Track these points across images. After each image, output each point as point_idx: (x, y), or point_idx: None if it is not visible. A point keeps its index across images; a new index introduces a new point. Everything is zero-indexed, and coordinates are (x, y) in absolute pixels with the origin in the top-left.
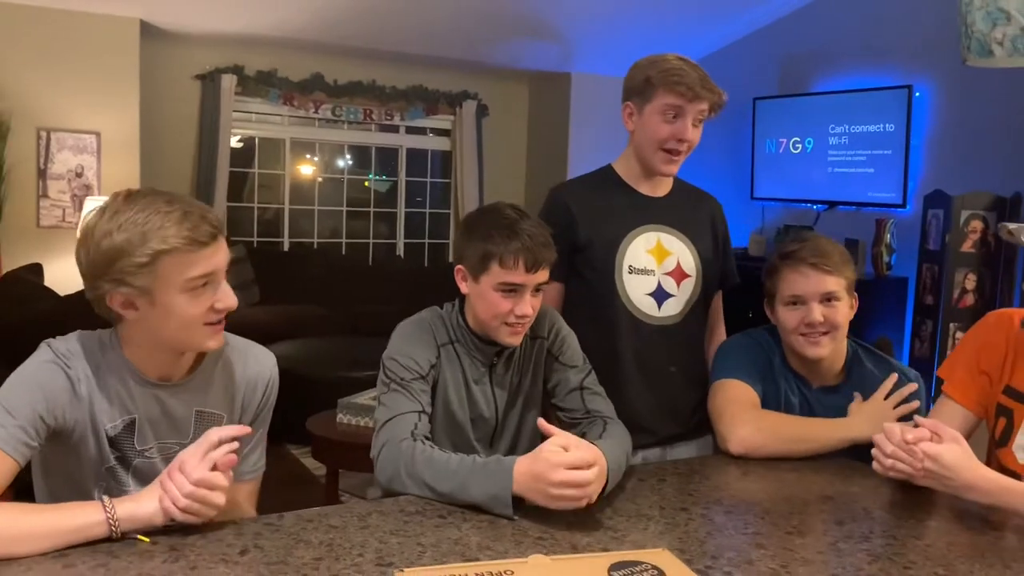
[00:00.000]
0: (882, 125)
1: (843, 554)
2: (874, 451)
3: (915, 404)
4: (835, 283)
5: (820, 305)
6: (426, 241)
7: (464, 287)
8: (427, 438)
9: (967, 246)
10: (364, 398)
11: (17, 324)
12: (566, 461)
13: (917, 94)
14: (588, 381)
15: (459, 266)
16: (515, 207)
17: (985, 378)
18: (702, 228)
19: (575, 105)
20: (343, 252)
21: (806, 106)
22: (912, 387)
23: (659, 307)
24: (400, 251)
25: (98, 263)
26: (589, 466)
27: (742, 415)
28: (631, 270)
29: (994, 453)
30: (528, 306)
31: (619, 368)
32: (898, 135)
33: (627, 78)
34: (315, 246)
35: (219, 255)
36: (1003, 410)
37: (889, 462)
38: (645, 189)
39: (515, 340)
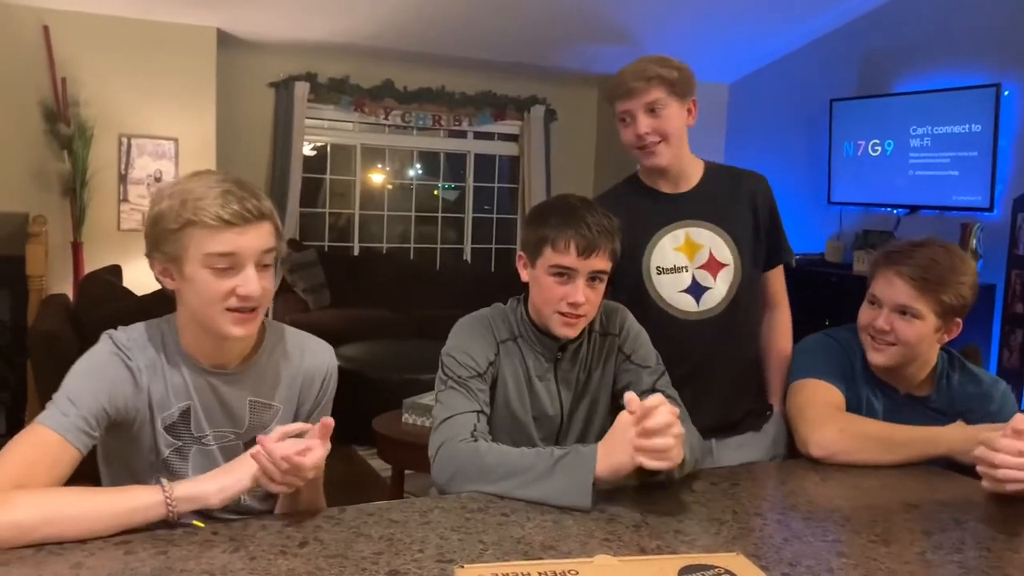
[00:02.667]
0: (967, 126)
1: (932, 565)
2: (981, 468)
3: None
4: (919, 301)
5: (893, 314)
6: (493, 246)
7: (524, 275)
8: (487, 438)
9: None
10: (429, 399)
11: (96, 322)
12: (646, 409)
13: (1006, 93)
14: (661, 383)
15: (520, 252)
16: (582, 198)
17: None
18: (737, 211)
19: None
20: (411, 257)
21: (886, 107)
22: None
23: (698, 302)
24: (467, 256)
25: (147, 227)
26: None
27: (824, 417)
28: (660, 271)
29: None
30: (581, 293)
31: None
32: (985, 136)
33: None
34: (384, 251)
35: (248, 239)
36: None
37: (1002, 473)
38: (668, 188)
39: (570, 331)
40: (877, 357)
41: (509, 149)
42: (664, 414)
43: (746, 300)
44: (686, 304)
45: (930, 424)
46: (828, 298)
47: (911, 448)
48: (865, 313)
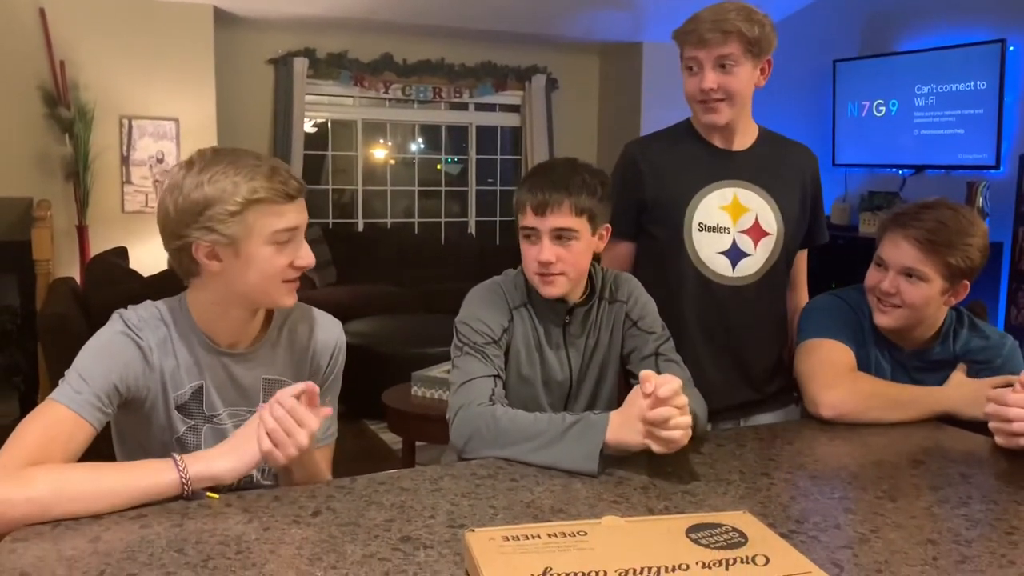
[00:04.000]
0: (973, 83)
1: (938, 519)
2: (993, 425)
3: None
4: (925, 264)
5: (899, 276)
6: (497, 219)
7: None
8: (503, 402)
9: None
10: (438, 371)
11: (104, 305)
12: (659, 386)
13: (1011, 48)
14: (665, 348)
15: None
16: (571, 159)
17: None
18: (788, 183)
19: (647, 75)
20: (415, 232)
21: (889, 66)
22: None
23: (733, 267)
24: (471, 229)
25: (188, 211)
26: (677, 394)
27: (835, 377)
28: (701, 227)
29: None
30: (546, 252)
31: (685, 331)
32: (990, 93)
33: None
34: (388, 226)
35: (303, 213)
36: None
37: (1018, 426)
38: (721, 142)
39: (549, 291)
40: (883, 319)
41: (511, 120)
42: (672, 409)
43: (781, 274)
44: (722, 267)
45: (934, 375)
46: (834, 260)
47: (918, 406)
48: (872, 275)
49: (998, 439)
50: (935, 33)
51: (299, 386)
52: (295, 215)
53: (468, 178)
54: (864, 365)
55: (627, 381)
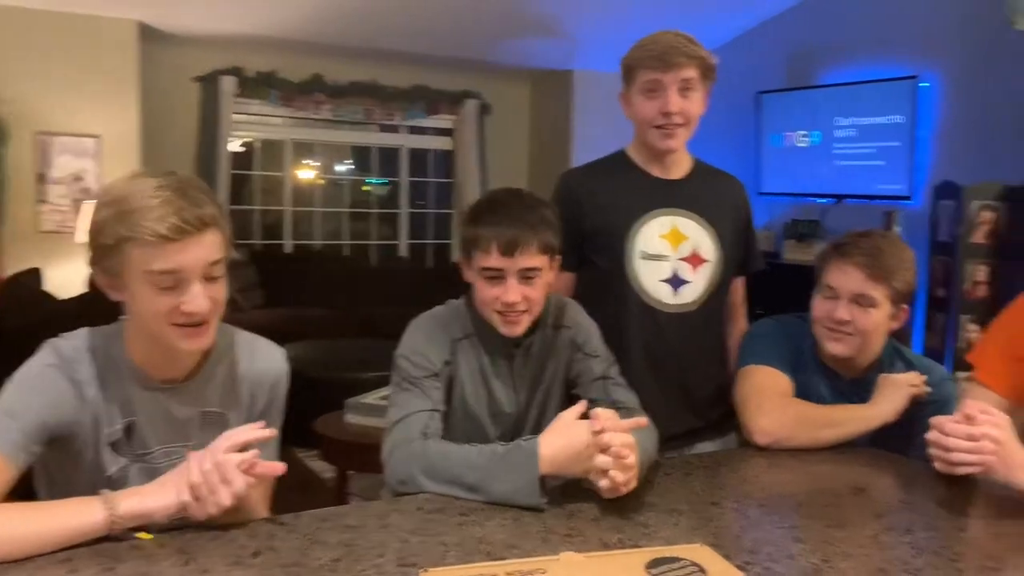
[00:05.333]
0: (889, 117)
1: (886, 547)
2: (934, 452)
3: (926, 389)
4: (875, 289)
5: (851, 304)
6: (430, 242)
7: (467, 276)
8: (439, 438)
9: (978, 237)
10: (372, 398)
11: (19, 329)
12: (600, 420)
13: (925, 84)
14: (611, 371)
15: (461, 256)
16: (515, 190)
17: (1019, 364)
18: (723, 211)
19: (578, 102)
20: (346, 254)
21: (812, 99)
22: (922, 377)
23: (674, 294)
24: (403, 252)
25: (88, 235)
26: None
27: (767, 403)
28: (643, 256)
29: None
30: (515, 293)
31: (629, 359)
32: (906, 126)
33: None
34: (318, 248)
35: (191, 254)
36: None
37: (955, 456)
38: (659, 172)
39: (513, 330)
40: (836, 347)
41: (443, 143)
42: (627, 448)
43: (721, 300)
44: (664, 294)
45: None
46: (760, 287)
47: (852, 423)
48: (821, 305)
49: (938, 466)
50: (855, 68)
51: (246, 435)
52: (174, 257)
53: (399, 200)
54: (803, 393)
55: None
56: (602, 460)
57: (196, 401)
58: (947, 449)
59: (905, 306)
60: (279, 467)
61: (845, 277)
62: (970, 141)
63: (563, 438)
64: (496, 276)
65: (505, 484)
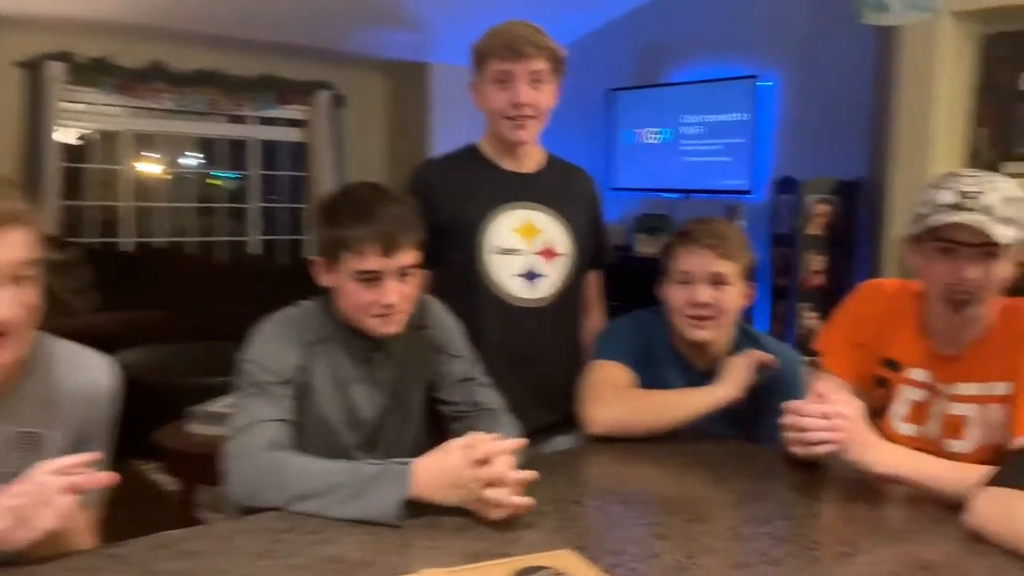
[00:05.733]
0: (733, 115)
1: (746, 539)
2: (791, 436)
3: (768, 357)
4: (727, 266)
5: (708, 287)
6: (283, 238)
7: (325, 280)
8: (290, 450)
9: (815, 229)
10: (219, 405)
11: None
12: (484, 448)
13: (765, 84)
14: (475, 371)
15: (316, 258)
16: (372, 185)
17: (861, 350)
18: (575, 204)
19: (436, 96)
20: (192, 252)
21: (661, 97)
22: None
23: (529, 288)
24: (254, 249)
25: None
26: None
27: (601, 395)
28: (497, 250)
29: (874, 425)
30: (394, 293)
31: (486, 355)
32: (748, 124)
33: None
34: (161, 246)
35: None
36: (881, 381)
37: (812, 435)
38: (511, 165)
39: (389, 328)
40: (699, 333)
41: (296, 135)
42: (501, 490)
43: (575, 294)
44: (518, 289)
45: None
46: (613, 280)
47: (688, 407)
48: (678, 294)
49: (796, 450)
50: (701, 66)
51: (67, 460)
52: None
53: (249, 195)
54: (657, 386)
55: (439, 410)
56: (494, 494)
57: (9, 420)
58: (804, 430)
59: (752, 283)
60: (108, 478)
61: (697, 259)
62: (806, 138)
63: (438, 463)
64: (373, 278)
65: (367, 503)
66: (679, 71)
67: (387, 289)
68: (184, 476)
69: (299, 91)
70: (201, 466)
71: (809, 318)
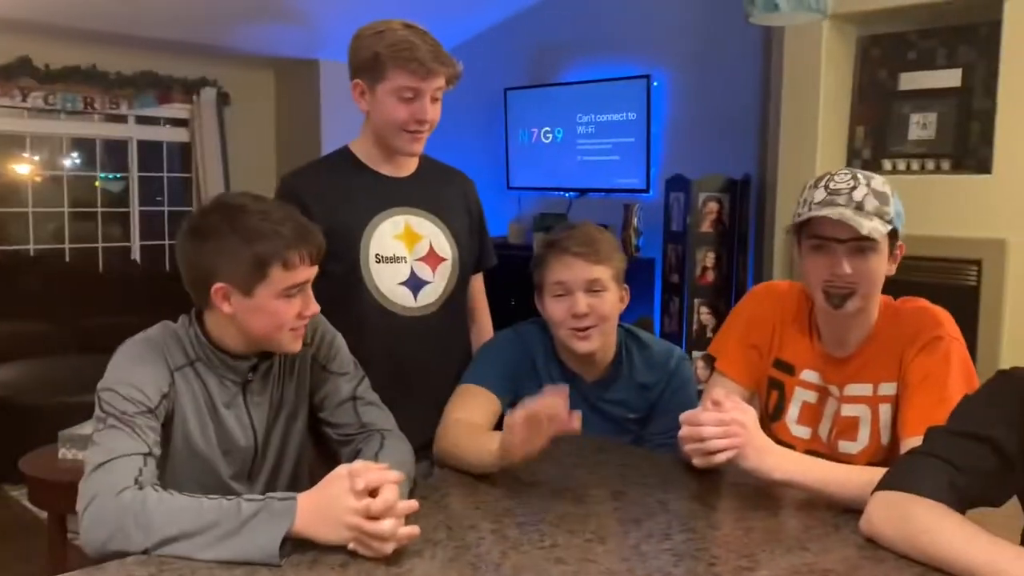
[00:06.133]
0: (625, 114)
1: (647, 557)
2: (689, 447)
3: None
4: (601, 271)
5: (586, 295)
6: (166, 242)
7: (226, 307)
8: (156, 487)
9: (706, 226)
10: (91, 428)
11: None
12: (368, 478)
13: (655, 83)
14: (361, 389)
15: (217, 285)
16: (255, 196)
17: (755, 352)
18: (454, 207)
19: (326, 93)
20: (67, 259)
21: (555, 96)
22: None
23: (415, 297)
24: (136, 255)
25: None
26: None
27: (444, 422)
28: (379, 259)
29: (769, 427)
30: (313, 305)
31: (372, 369)
32: (640, 123)
33: (352, 51)
34: (32, 253)
35: None
36: (774, 383)
37: (712, 444)
38: (388, 170)
39: (298, 345)
40: (585, 345)
41: (178, 135)
42: (391, 524)
43: (461, 299)
44: (403, 298)
45: (618, 407)
46: (514, 278)
47: (480, 453)
48: (557, 307)
49: (696, 461)
50: (593, 66)
51: None
52: None
53: (130, 198)
54: None
55: (324, 432)
56: (380, 528)
57: None
58: (702, 439)
59: (626, 285)
60: None
61: (571, 270)
62: (696, 137)
63: (321, 496)
64: (295, 293)
65: (245, 543)
66: (572, 71)
67: (309, 298)
68: (52, 507)
69: (181, 89)
70: (70, 494)
71: (702, 314)
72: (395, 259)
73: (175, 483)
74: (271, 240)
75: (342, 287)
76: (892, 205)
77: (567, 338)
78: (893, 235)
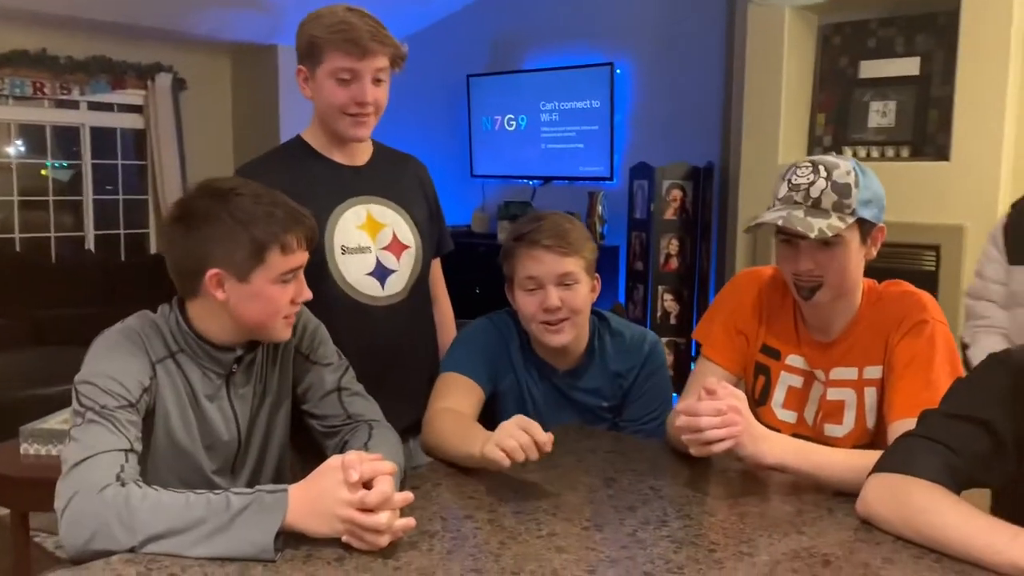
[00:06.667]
0: (588, 102)
1: (646, 545)
2: (688, 437)
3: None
4: (572, 264)
5: (557, 288)
6: (121, 231)
7: (220, 294)
8: (139, 483)
9: (669, 214)
10: (54, 421)
11: None
12: (363, 470)
13: (618, 71)
14: (346, 380)
15: (212, 271)
16: (241, 180)
17: (742, 338)
18: (412, 193)
19: (284, 80)
20: (18, 249)
21: (518, 83)
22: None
23: (383, 286)
24: (90, 244)
25: None
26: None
27: (430, 411)
28: (344, 250)
29: (755, 412)
30: (306, 291)
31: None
32: (603, 111)
33: (296, 38)
34: None
35: None
36: (761, 368)
37: (710, 434)
38: (342, 158)
39: (289, 332)
40: (557, 338)
41: (133, 122)
42: (385, 517)
43: (425, 286)
44: (372, 288)
45: (592, 396)
46: (478, 266)
47: (470, 445)
48: (528, 301)
49: (693, 451)
50: (557, 54)
51: None
52: None
53: (83, 186)
54: (514, 394)
55: (308, 424)
56: (376, 521)
57: None
58: (700, 430)
59: (597, 275)
60: None
61: (541, 264)
62: (660, 125)
63: (313, 488)
64: (291, 278)
65: (237, 538)
66: (536, 58)
67: (302, 283)
68: (15, 504)
69: (135, 74)
70: (33, 491)
71: (666, 301)
72: (360, 249)
73: (156, 479)
74: (268, 224)
75: (310, 280)
76: (856, 194)
77: (539, 332)
78: (864, 222)
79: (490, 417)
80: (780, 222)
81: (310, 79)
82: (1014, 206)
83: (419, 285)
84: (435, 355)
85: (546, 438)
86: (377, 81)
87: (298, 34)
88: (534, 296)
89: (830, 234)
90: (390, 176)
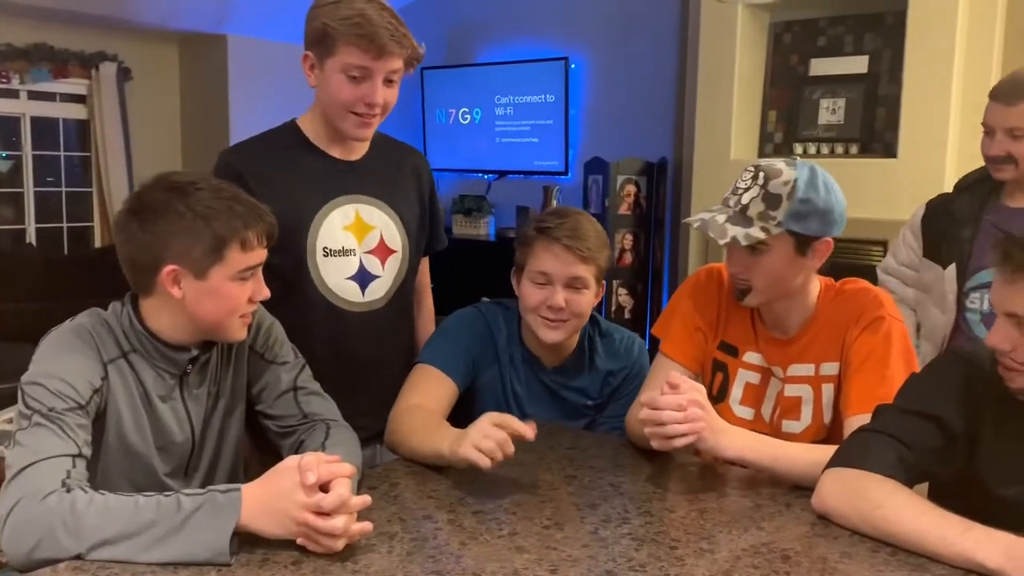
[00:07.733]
0: (543, 96)
1: (607, 543)
2: (649, 430)
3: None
4: (586, 270)
5: (566, 289)
6: (64, 225)
7: (176, 291)
8: (85, 488)
9: (623, 209)
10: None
11: None
12: (320, 471)
13: (573, 66)
14: (302, 379)
15: (168, 268)
16: (200, 173)
17: (700, 334)
18: (406, 191)
19: (234, 70)
20: None
21: (473, 77)
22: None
23: (363, 292)
24: (31, 238)
25: None
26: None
27: (398, 407)
28: (327, 253)
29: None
30: (265, 287)
31: (318, 367)
32: (558, 106)
33: (306, 21)
34: None
35: None
36: (719, 365)
37: (671, 428)
38: (338, 152)
39: (245, 332)
40: (553, 335)
41: (76, 112)
42: (342, 521)
43: (409, 291)
44: (351, 293)
45: (579, 395)
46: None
47: (437, 444)
48: (534, 293)
49: (654, 444)
50: (511, 47)
51: None
52: None
53: (24, 177)
54: (495, 389)
55: (263, 424)
56: (332, 526)
57: None
58: (663, 423)
59: (603, 282)
60: None
61: (558, 262)
62: (614, 120)
63: (268, 489)
64: (249, 276)
65: (190, 541)
66: (490, 51)
67: (259, 279)
68: None
69: (78, 63)
70: None
71: (620, 296)
72: (344, 252)
73: (107, 483)
74: (230, 219)
75: (287, 281)
76: (787, 206)
77: (536, 324)
78: (797, 234)
79: (466, 408)
80: (697, 224)
81: (317, 68)
82: (929, 204)
83: (402, 290)
84: (410, 365)
85: (526, 429)
86: (389, 82)
87: (309, 17)
88: (541, 290)
89: (744, 243)
90: (385, 172)
